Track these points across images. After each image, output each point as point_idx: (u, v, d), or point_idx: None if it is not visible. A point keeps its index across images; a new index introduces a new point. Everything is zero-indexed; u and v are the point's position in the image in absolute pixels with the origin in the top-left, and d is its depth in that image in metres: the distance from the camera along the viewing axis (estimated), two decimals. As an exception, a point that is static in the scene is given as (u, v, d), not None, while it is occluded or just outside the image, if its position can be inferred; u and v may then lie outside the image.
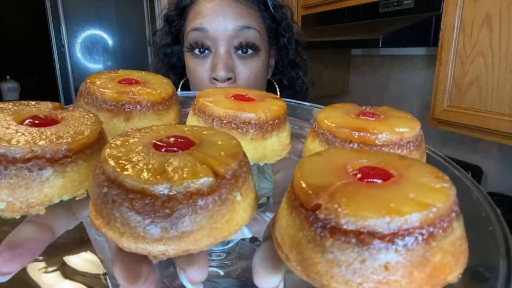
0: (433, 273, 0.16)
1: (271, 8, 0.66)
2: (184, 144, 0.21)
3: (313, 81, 0.78)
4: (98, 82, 0.30)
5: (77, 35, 2.72)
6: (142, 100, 0.29)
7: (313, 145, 0.29)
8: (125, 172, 0.18)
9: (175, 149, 0.21)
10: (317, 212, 0.16)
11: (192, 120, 0.30)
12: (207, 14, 0.61)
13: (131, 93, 0.29)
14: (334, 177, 0.18)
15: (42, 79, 2.70)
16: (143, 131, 0.22)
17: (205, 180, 0.18)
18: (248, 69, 0.62)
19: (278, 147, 0.30)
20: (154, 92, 0.30)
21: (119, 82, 0.31)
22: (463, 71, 1.04)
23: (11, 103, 0.25)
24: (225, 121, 0.28)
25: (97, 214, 0.19)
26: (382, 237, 0.15)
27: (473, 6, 0.99)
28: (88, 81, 0.30)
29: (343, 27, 1.50)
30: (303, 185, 0.18)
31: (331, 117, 0.29)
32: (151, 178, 0.18)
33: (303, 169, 0.19)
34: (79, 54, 2.75)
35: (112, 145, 0.20)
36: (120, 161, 0.19)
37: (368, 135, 0.26)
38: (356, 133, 0.26)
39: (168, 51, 0.72)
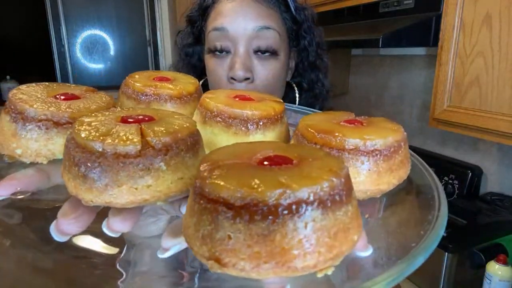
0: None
1: (292, 9, 0.65)
2: (143, 119, 0.25)
3: (334, 84, 0.77)
4: (136, 76, 0.37)
5: (77, 35, 2.71)
6: (162, 93, 0.34)
7: None
8: (81, 134, 0.22)
9: (132, 121, 0.25)
10: (196, 181, 0.19)
11: (195, 113, 0.34)
12: (227, 14, 0.61)
13: (153, 87, 0.35)
14: (233, 159, 0.20)
15: (42, 79, 2.68)
16: (119, 110, 0.27)
17: (132, 147, 0.21)
18: (266, 70, 0.62)
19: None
20: (174, 88, 0.35)
21: (154, 78, 0.37)
22: (463, 71, 1.04)
23: (48, 83, 0.34)
24: (214, 114, 0.31)
25: (64, 169, 0.24)
26: (229, 206, 0.17)
27: (473, 6, 0.99)
28: (129, 75, 0.37)
29: (343, 27, 1.50)
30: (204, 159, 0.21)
31: (311, 119, 0.31)
32: (92, 138, 0.22)
33: (213, 152, 0.22)
34: (79, 54, 2.75)
35: (84, 118, 0.25)
36: (83, 128, 0.23)
37: (331, 138, 0.27)
38: (320, 135, 0.27)
39: (189, 51, 0.73)
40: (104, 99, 0.32)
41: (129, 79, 0.37)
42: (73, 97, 0.31)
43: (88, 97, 0.32)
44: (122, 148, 0.21)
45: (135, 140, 0.22)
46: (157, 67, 2.88)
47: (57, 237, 0.23)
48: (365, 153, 0.26)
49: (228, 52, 0.62)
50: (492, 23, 0.95)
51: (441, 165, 1.49)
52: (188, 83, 0.38)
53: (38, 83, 0.33)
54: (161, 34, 2.80)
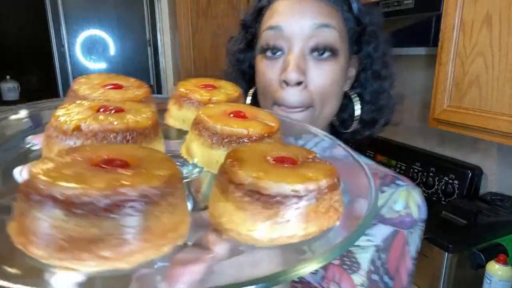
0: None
1: (356, 10, 0.59)
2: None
3: (402, 95, 0.70)
4: (183, 83, 0.41)
5: (77, 35, 2.71)
6: (192, 98, 0.38)
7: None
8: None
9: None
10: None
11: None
12: (283, 12, 0.56)
13: (189, 92, 0.38)
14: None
15: (42, 79, 2.70)
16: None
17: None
18: (322, 74, 0.55)
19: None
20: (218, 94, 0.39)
21: (200, 86, 0.40)
22: (463, 71, 1.04)
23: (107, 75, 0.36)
24: (195, 123, 0.33)
25: None
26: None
27: (473, 6, 0.99)
28: (180, 83, 0.40)
29: (343, 27, 1.50)
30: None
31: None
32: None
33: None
34: (79, 54, 2.75)
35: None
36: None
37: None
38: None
39: (240, 57, 0.68)
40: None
41: (179, 86, 0.40)
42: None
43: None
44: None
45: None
46: (157, 67, 2.88)
47: None
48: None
49: (281, 52, 0.57)
50: (492, 23, 0.95)
51: (441, 165, 1.49)
52: (232, 90, 0.41)
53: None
54: (161, 34, 2.80)
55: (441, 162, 1.50)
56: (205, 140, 0.31)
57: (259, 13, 0.62)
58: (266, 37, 0.58)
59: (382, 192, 0.58)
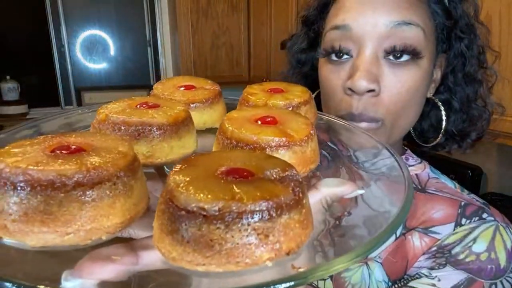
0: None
1: (445, 0, 0.48)
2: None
3: (501, 104, 0.59)
4: (252, 86, 0.41)
5: (77, 35, 2.71)
6: (250, 102, 0.38)
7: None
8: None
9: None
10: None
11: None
12: (352, 8, 0.46)
13: (250, 95, 0.39)
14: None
15: (42, 79, 2.70)
16: None
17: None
18: (399, 81, 0.45)
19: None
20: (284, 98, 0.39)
21: (267, 90, 0.40)
22: (463, 71, 1.04)
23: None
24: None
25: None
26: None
27: (473, 6, 0.99)
28: (247, 89, 0.40)
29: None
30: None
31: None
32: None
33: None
34: (79, 54, 2.75)
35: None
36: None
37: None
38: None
39: (302, 58, 0.59)
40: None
41: (246, 94, 0.39)
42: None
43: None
44: None
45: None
46: (157, 67, 2.88)
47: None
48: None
49: (349, 55, 0.47)
50: (492, 23, 0.95)
51: (441, 165, 1.49)
52: (300, 92, 0.39)
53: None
54: (161, 34, 2.80)
55: (441, 162, 1.50)
56: (218, 144, 0.30)
57: (324, 8, 0.53)
58: (331, 37, 0.48)
59: (460, 225, 0.47)
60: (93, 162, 0.21)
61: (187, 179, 0.21)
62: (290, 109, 0.37)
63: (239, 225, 0.19)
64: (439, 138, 0.53)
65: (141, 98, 0.33)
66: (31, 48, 2.65)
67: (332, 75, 0.49)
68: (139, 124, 0.28)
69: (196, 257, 0.19)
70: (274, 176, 0.22)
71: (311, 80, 0.58)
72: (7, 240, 0.20)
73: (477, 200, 0.50)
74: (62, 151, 0.22)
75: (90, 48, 2.79)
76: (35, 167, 0.20)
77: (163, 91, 0.37)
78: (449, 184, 0.53)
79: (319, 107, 0.51)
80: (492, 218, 0.47)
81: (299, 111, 0.37)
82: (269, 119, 0.31)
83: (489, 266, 0.43)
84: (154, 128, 0.28)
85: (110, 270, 0.21)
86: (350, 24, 0.46)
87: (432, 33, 0.48)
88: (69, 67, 2.73)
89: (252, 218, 0.19)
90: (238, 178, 0.21)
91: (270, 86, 0.40)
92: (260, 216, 0.19)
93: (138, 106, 0.31)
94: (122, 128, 0.28)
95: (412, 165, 0.55)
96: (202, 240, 0.19)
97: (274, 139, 0.28)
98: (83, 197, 0.20)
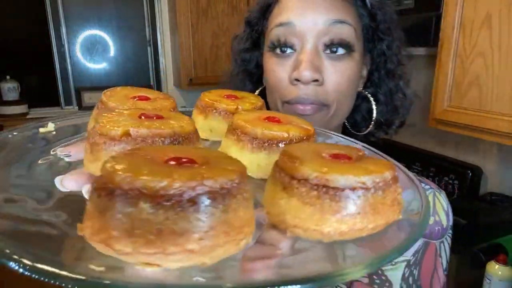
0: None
1: (368, 4, 0.56)
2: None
3: (418, 94, 0.67)
4: (206, 93, 0.41)
5: (77, 35, 2.71)
6: (219, 108, 0.40)
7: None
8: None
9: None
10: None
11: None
12: (295, 7, 0.53)
13: (215, 102, 0.40)
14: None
15: (42, 79, 2.70)
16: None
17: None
18: (338, 71, 0.52)
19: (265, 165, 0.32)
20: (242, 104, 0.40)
21: (223, 96, 0.41)
22: (463, 71, 1.04)
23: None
24: (232, 129, 0.33)
25: None
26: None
27: (473, 6, 0.99)
28: (204, 94, 0.41)
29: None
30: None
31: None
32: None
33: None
34: (79, 54, 2.74)
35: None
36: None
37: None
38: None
39: (246, 57, 0.65)
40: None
41: (204, 97, 0.40)
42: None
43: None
44: None
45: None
46: (157, 67, 2.88)
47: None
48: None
49: (292, 49, 0.53)
50: (492, 23, 0.95)
51: (441, 165, 1.49)
52: (255, 99, 0.42)
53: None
54: (161, 34, 2.80)
55: (441, 162, 1.50)
56: (245, 145, 0.31)
57: (267, 10, 0.59)
58: (276, 33, 0.54)
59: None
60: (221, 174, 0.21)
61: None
62: None
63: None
64: (370, 127, 0.60)
65: (136, 110, 0.31)
66: (31, 48, 2.65)
67: (278, 68, 0.54)
68: (169, 135, 0.28)
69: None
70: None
71: (256, 77, 0.65)
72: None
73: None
74: (179, 162, 0.22)
75: (90, 48, 2.79)
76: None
77: (116, 101, 0.35)
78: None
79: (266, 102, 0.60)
80: (429, 186, 0.55)
81: None
82: (276, 118, 0.34)
83: (436, 228, 0.52)
84: (180, 138, 0.28)
85: (269, 266, 0.23)
86: (294, 21, 0.52)
87: (361, 32, 0.56)
88: (69, 67, 2.72)
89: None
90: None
91: (223, 93, 0.42)
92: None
93: (143, 117, 0.30)
94: (156, 139, 0.27)
95: None
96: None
97: (301, 133, 0.32)
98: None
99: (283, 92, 0.54)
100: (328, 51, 0.52)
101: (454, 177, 1.42)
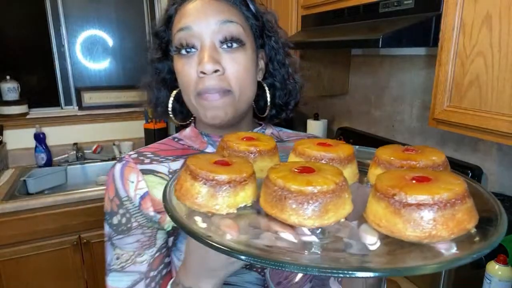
0: (458, 223, 0.32)
1: (253, 8, 0.68)
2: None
3: (306, 79, 0.80)
4: (229, 138, 0.54)
5: (77, 35, 2.71)
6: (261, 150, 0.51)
7: (376, 171, 0.46)
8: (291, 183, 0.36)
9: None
10: (394, 197, 0.34)
11: (294, 159, 0.49)
12: (191, 14, 0.64)
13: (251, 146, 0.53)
14: (399, 182, 0.35)
15: (42, 79, 2.70)
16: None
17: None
18: (235, 61, 0.63)
19: (351, 174, 0.48)
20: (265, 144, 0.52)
21: (242, 139, 0.53)
22: (463, 71, 1.04)
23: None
24: (318, 159, 0.47)
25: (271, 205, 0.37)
26: (425, 205, 0.32)
27: (473, 6, 0.99)
28: (224, 138, 0.54)
29: (343, 27, 1.50)
30: (385, 185, 0.35)
31: (386, 153, 0.46)
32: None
33: (381, 179, 0.36)
34: (79, 54, 2.75)
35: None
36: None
37: (412, 162, 0.44)
38: (404, 162, 0.44)
39: (159, 66, 0.74)
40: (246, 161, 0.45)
41: (227, 141, 0.51)
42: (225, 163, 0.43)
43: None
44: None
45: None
46: (157, 67, 2.88)
47: None
48: (433, 167, 0.44)
49: (194, 49, 0.64)
50: (492, 23, 0.95)
51: (441, 165, 1.48)
52: (269, 140, 0.53)
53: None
54: (161, 34, 2.80)
55: (441, 162, 1.50)
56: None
57: (169, 21, 0.69)
58: (178, 37, 0.64)
59: None
60: None
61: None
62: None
63: None
64: (267, 110, 0.74)
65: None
66: (31, 48, 2.65)
67: (186, 66, 0.64)
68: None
69: None
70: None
71: (170, 82, 0.74)
72: None
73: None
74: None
75: (90, 48, 2.79)
76: None
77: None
78: (289, 130, 0.83)
79: (179, 104, 0.74)
80: None
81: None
82: (327, 144, 0.50)
83: None
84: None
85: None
86: (191, 25, 0.63)
87: (249, 30, 0.67)
88: (69, 67, 2.72)
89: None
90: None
91: (243, 135, 0.53)
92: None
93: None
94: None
95: (267, 130, 0.80)
96: None
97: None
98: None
99: (193, 85, 0.64)
100: (224, 46, 0.63)
101: (454, 177, 1.42)
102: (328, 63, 2.02)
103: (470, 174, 1.38)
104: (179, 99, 0.72)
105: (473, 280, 1.15)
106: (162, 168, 0.68)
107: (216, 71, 0.61)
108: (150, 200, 0.65)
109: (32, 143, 2.52)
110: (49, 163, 2.54)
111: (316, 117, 2.27)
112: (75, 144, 2.64)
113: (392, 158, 0.44)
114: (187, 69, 0.64)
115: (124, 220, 0.65)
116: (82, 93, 2.72)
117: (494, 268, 1.07)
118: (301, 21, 1.84)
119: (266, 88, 0.73)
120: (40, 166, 2.50)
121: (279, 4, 2.03)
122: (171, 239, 0.67)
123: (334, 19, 1.58)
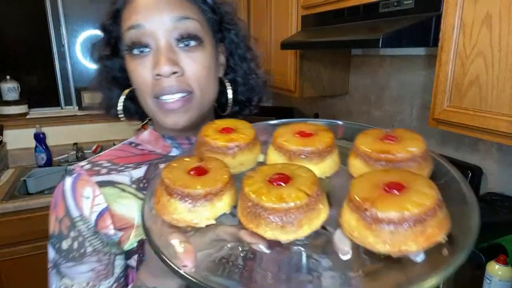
0: (428, 238, 0.33)
1: (209, 1, 0.62)
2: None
3: (269, 74, 0.76)
4: (209, 131, 0.51)
5: (77, 35, 2.71)
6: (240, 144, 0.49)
7: (355, 162, 0.45)
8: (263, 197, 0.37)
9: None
10: (366, 211, 0.34)
11: (273, 154, 0.48)
12: (141, 10, 0.57)
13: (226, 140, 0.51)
14: (371, 192, 0.35)
15: (42, 79, 2.70)
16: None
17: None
18: (194, 61, 0.58)
19: (332, 164, 0.48)
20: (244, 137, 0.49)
21: (220, 130, 0.51)
22: (463, 71, 1.04)
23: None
24: (297, 154, 0.45)
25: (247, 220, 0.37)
26: (395, 222, 0.33)
27: (473, 6, 0.99)
28: (202, 133, 0.52)
29: (343, 27, 1.50)
30: (357, 198, 0.35)
31: (365, 143, 0.45)
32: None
33: (354, 187, 0.36)
34: (79, 54, 2.75)
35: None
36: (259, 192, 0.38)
37: (390, 156, 0.43)
38: (383, 155, 0.43)
39: (108, 64, 0.66)
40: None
41: (204, 137, 0.49)
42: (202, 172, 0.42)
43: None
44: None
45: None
46: (157, 67, 2.88)
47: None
48: (412, 160, 0.43)
49: (149, 49, 0.57)
50: (492, 23, 0.95)
51: (442, 165, 1.48)
52: (248, 129, 0.51)
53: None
54: (161, 34, 2.80)
55: (441, 162, 1.50)
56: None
57: (116, 15, 0.62)
58: (129, 36, 0.58)
59: None
60: None
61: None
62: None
63: None
64: (229, 107, 0.68)
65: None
66: (31, 48, 2.65)
67: (139, 67, 0.58)
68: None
69: None
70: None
71: (121, 81, 0.66)
72: None
73: None
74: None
75: (90, 48, 2.79)
76: None
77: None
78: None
79: (132, 103, 0.67)
80: None
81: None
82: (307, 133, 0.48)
83: None
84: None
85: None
86: (143, 23, 0.56)
87: (207, 25, 0.62)
88: (69, 67, 2.72)
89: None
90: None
91: (221, 125, 0.51)
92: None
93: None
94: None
95: None
96: None
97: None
98: None
99: (150, 88, 0.58)
100: (181, 45, 0.57)
101: (454, 177, 1.42)
102: (328, 63, 2.02)
103: (470, 174, 1.38)
104: (133, 98, 0.64)
105: (473, 280, 1.15)
106: (123, 178, 0.60)
107: (174, 73, 0.56)
108: (109, 216, 0.57)
109: (32, 143, 2.52)
110: (49, 163, 2.54)
111: (316, 117, 2.27)
112: (75, 144, 2.64)
113: (370, 151, 0.43)
114: (141, 71, 0.58)
115: (76, 245, 0.56)
116: (82, 93, 2.72)
117: (494, 268, 1.07)
118: (301, 21, 1.84)
119: (228, 85, 0.67)
120: (40, 166, 2.51)
121: (279, 4, 2.03)
122: (134, 257, 0.59)
123: (334, 19, 1.58)
